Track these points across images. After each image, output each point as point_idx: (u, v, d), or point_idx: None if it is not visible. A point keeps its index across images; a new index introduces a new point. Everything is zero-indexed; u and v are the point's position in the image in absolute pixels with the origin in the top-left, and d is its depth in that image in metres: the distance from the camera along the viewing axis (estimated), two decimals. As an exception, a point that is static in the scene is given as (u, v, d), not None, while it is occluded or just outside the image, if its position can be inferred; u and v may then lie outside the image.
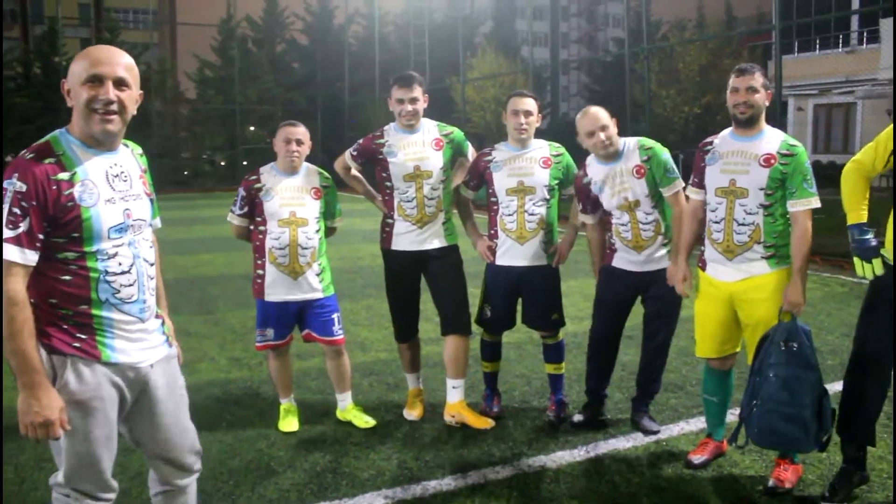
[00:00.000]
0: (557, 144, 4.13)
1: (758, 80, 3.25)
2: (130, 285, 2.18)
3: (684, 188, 3.69)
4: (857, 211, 3.09)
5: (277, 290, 3.93)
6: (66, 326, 2.11)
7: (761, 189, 3.25)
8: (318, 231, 3.99)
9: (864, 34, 23.93)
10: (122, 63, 2.13)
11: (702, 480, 3.44)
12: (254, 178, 4.00)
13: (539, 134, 4.13)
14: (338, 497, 3.29)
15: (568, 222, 4.16)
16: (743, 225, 3.30)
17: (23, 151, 2.09)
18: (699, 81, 23.38)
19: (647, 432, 3.95)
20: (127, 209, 2.18)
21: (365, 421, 4.11)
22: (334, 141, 25.74)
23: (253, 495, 3.31)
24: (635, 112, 16.93)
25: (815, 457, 3.51)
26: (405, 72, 4.09)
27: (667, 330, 3.93)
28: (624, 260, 3.88)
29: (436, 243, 4.08)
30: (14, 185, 1.99)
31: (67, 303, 2.11)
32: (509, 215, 4.02)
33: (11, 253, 1.99)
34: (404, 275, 4.15)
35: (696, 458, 3.57)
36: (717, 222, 3.37)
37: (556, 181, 4.04)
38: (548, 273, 4.08)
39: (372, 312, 6.91)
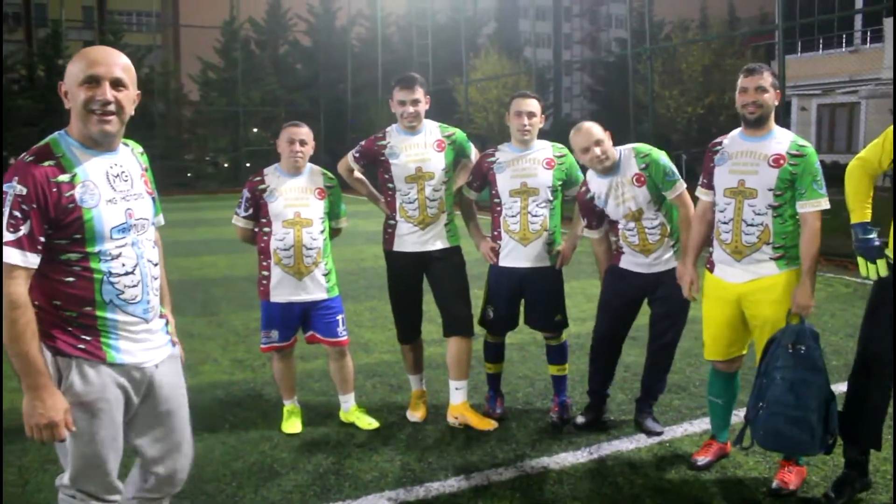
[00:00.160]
0: (560, 145, 4.12)
1: (767, 79, 3.23)
2: (134, 286, 2.19)
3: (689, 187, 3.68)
4: (860, 210, 3.07)
5: (283, 290, 3.93)
6: (70, 328, 2.12)
7: (770, 190, 3.23)
8: (322, 231, 3.99)
9: (868, 34, 23.86)
10: (118, 64, 2.13)
11: (705, 482, 3.43)
12: (258, 179, 4.00)
13: (542, 135, 4.13)
14: (341, 499, 3.29)
15: (571, 224, 4.15)
16: (752, 226, 3.28)
17: (22, 154, 2.09)
18: (702, 82, 23.40)
19: (650, 433, 3.95)
20: (129, 209, 2.19)
21: (368, 422, 4.11)
22: (337, 142, 25.80)
23: (256, 497, 3.31)
24: (638, 112, 16.93)
25: (819, 458, 3.50)
26: (407, 73, 4.09)
27: (674, 331, 3.92)
28: (631, 262, 3.87)
29: (438, 245, 4.08)
30: (14, 188, 2.00)
31: (72, 304, 2.11)
32: (512, 216, 4.01)
33: (13, 256, 1.99)
34: (406, 276, 4.14)
35: (700, 460, 3.56)
36: (725, 223, 3.35)
37: (560, 182, 4.04)
38: (551, 274, 4.07)
39: (375, 314, 6.91)
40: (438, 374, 4.84)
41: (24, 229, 2.00)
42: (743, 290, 3.33)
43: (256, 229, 4.03)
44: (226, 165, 30.38)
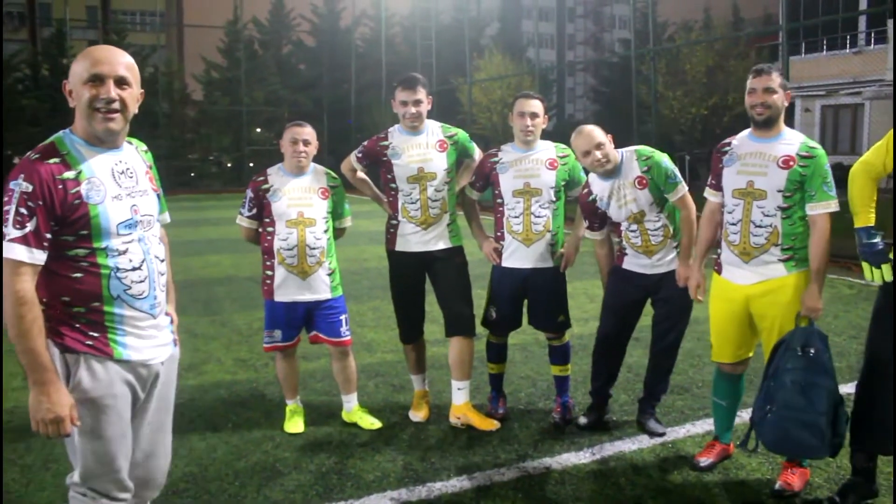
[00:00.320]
0: (564, 146, 4.12)
1: (775, 80, 3.21)
2: (141, 282, 2.21)
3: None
4: (864, 214, 3.04)
5: (287, 290, 3.94)
6: (78, 325, 2.14)
7: (779, 191, 3.21)
8: (326, 231, 3.99)
9: (872, 35, 23.82)
10: (122, 62, 2.15)
11: (708, 483, 3.42)
12: (261, 178, 4.01)
13: (545, 135, 4.13)
14: (343, 498, 3.29)
15: (573, 225, 4.15)
16: (760, 227, 3.26)
17: (28, 152, 2.12)
18: (706, 83, 23.36)
19: (652, 434, 3.94)
20: (134, 205, 2.21)
21: (370, 422, 4.11)
22: (340, 143, 25.85)
23: (258, 496, 3.31)
24: (641, 113, 16.90)
25: (823, 460, 3.48)
26: (409, 74, 4.10)
27: (676, 332, 3.92)
28: (634, 263, 3.87)
29: (440, 245, 4.08)
30: (20, 185, 2.02)
31: (80, 300, 2.13)
32: (515, 217, 4.02)
33: (20, 252, 2.01)
34: (409, 276, 4.15)
35: (703, 461, 3.55)
36: (733, 224, 3.34)
37: (563, 183, 4.04)
38: (553, 275, 4.07)
39: (378, 314, 6.92)
40: (441, 375, 4.84)
41: (30, 226, 2.02)
42: (751, 292, 3.31)
43: (260, 229, 4.04)
44: (229, 165, 30.43)
